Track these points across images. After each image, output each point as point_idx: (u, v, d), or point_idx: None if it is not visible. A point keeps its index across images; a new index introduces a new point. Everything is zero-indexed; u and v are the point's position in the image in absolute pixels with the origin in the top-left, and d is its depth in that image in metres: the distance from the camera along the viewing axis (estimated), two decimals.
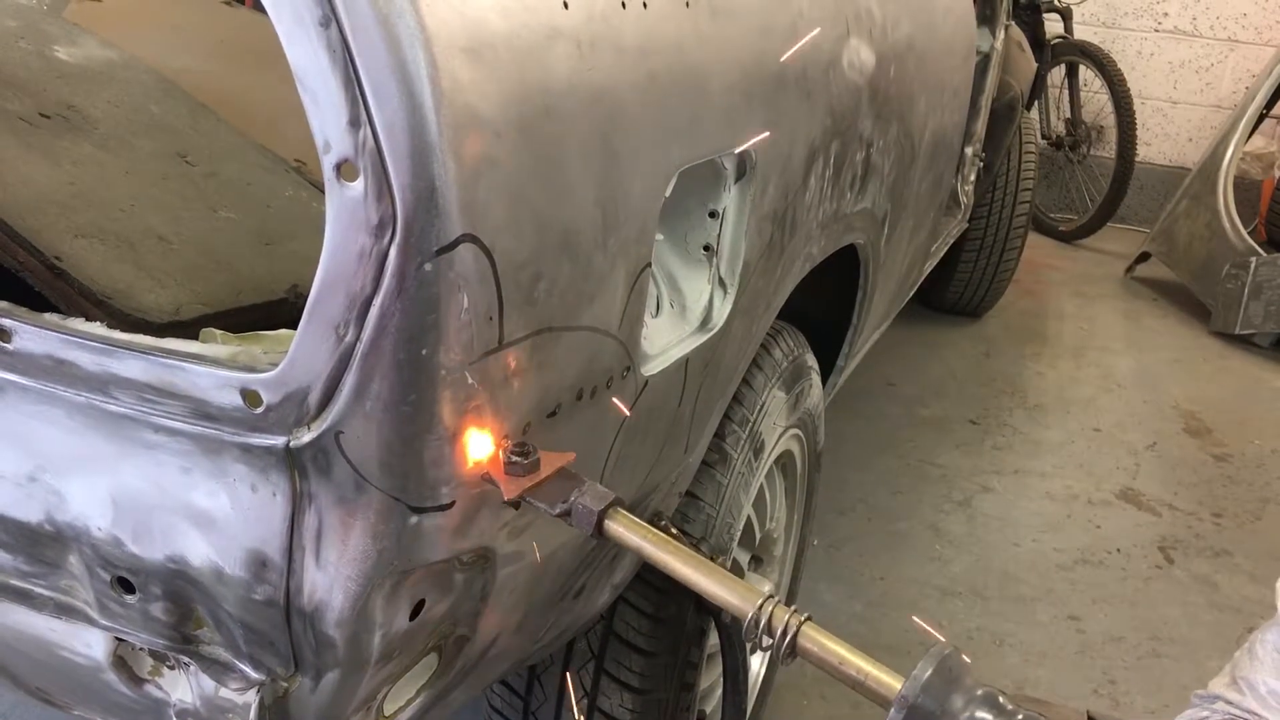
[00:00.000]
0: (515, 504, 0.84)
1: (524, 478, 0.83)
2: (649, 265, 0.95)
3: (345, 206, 0.70)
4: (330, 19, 0.67)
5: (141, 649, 0.96)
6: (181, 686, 0.95)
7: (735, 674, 1.39)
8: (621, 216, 0.88)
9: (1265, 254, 4.16)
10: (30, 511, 0.89)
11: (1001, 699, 0.80)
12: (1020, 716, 0.79)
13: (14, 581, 0.95)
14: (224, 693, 0.92)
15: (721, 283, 1.16)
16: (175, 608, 0.89)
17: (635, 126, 0.88)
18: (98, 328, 0.85)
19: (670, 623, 1.36)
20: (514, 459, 0.82)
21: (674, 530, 1.25)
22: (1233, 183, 4.41)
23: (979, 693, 0.80)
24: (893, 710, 0.80)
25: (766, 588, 1.72)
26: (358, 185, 0.69)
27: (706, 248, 1.14)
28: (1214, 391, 3.69)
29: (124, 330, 0.85)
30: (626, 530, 0.88)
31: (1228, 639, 2.32)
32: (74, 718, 1.14)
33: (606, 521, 0.87)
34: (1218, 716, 1.19)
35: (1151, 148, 5.63)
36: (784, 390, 1.53)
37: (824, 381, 1.82)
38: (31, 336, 0.83)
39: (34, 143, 1.15)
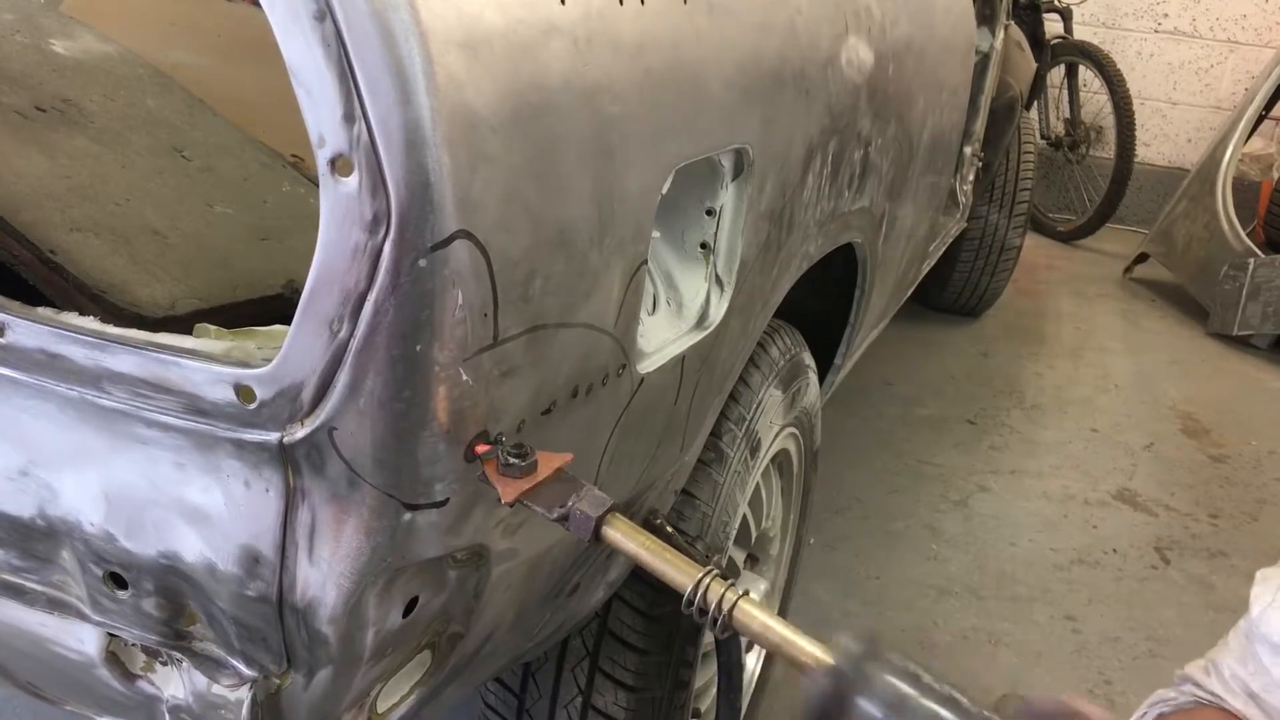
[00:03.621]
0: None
1: (521, 480, 0.83)
2: (645, 263, 0.95)
3: (339, 202, 0.70)
4: (325, 13, 0.66)
5: (134, 645, 0.95)
6: (174, 683, 0.95)
7: (730, 672, 1.38)
8: (618, 213, 0.88)
9: (1263, 255, 4.16)
10: (22, 506, 0.89)
11: (925, 676, 0.84)
12: (939, 689, 0.83)
13: (6, 576, 0.94)
14: (216, 689, 0.92)
15: (718, 281, 1.15)
16: (168, 604, 0.88)
17: (632, 123, 0.87)
18: (92, 322, 0.84)
19: (665, 620, 1.36)
20: (511, 460, 0.82)
21: (670, 529, 1.25)
22: (1231, 184, 4.41)
23: (908, 666, 0.85)
24: (818, 676, 0.85)
25: (762, 586, 1.72)
26: (352, 180, 0.69)
27: (703, 245, 1.14)
28: (1211, 392, 3.70)
29: (118, 325, 0.85)
30: (624, 537, 0.88)
31: None
32: (67, 713, 1.13)
33: (604, 528, 0.87)
34: (1184, 698, 1.22)
35: (1150, 148, 5.63)
36: (781, 389, 1.53)
37: (821, 380, 1.82)
38: (25, 330, 0.83)
39: (29, 136, 1.15)
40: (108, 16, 1.57)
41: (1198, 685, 1.21)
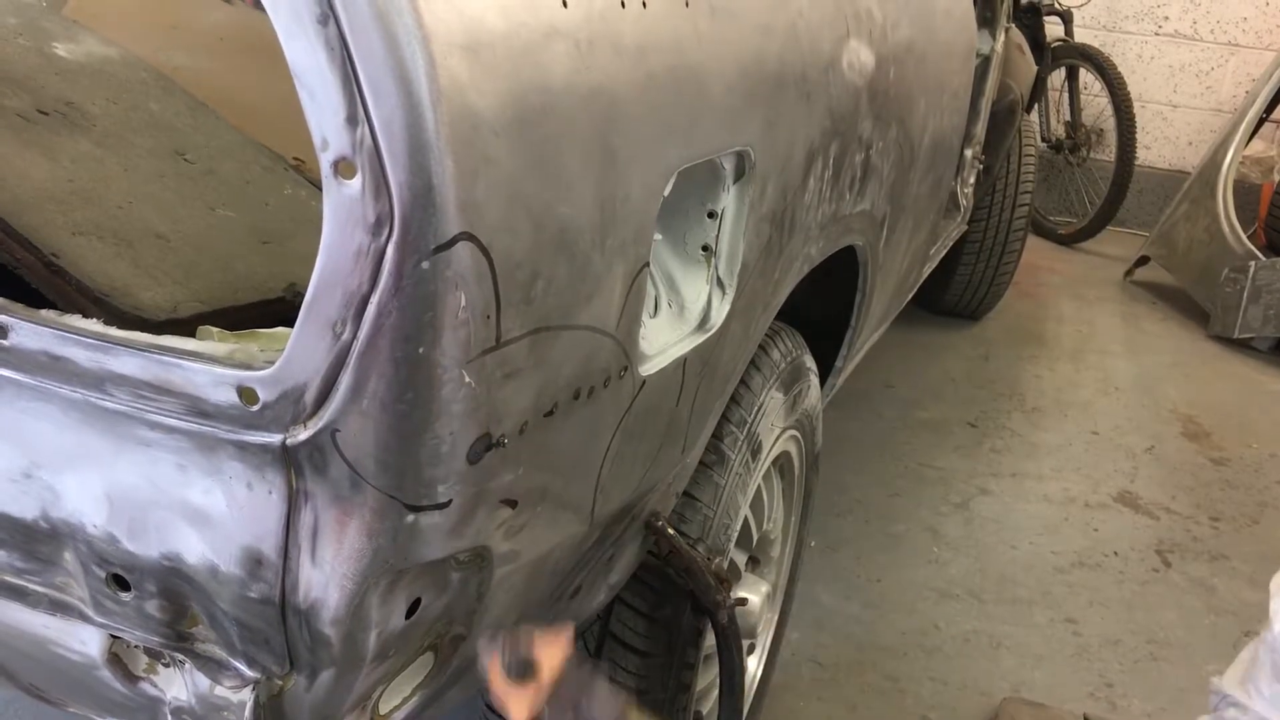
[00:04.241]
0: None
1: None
2: (647, 265, 0.95)
3: (342, 204, 0.70)
4: (328, 16, 0.67)
5: (137, 646, 0.95)
6: (176, 684, 0.95)
7: (732, 674, 1.39)
8: (620, 216, 0.88)
9: (1264, 258, 4.16)
10: (25, 508, 0.89)
11: None
12: None
13: (9, 578, 0.95)
14: (219, 690, 0.92)
15: (720, 283, 1.16)
16: (170, 605, 0.88)
17: (634, 126, 0.88)
18: (94, 325, 0.85)
19: (667, 623, 1.36)
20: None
21: (671, 530, 1.25)
22: (1232, 187, 4.41)
23: None
24: None
25: (763, 588, 1.72)
26: (355, 183, 0.69)
27: (705, 248, 1.14)
28: (1212, 395, 3.69)
29: (121, 327, 0.85)
30: None
31: (1224, 642, 2.32)
32: (69, 715, 1.13)
33: None
34: None
35: (1151, 151, 5.63)
36: (782, 391, 1.53)
37: (822, 383, 1.82)
38: (28, 333, 0.83)
39: (32, 139, 1.15)
40: (110, 20, 1.57)
41: (1239, 707, 1.22)
